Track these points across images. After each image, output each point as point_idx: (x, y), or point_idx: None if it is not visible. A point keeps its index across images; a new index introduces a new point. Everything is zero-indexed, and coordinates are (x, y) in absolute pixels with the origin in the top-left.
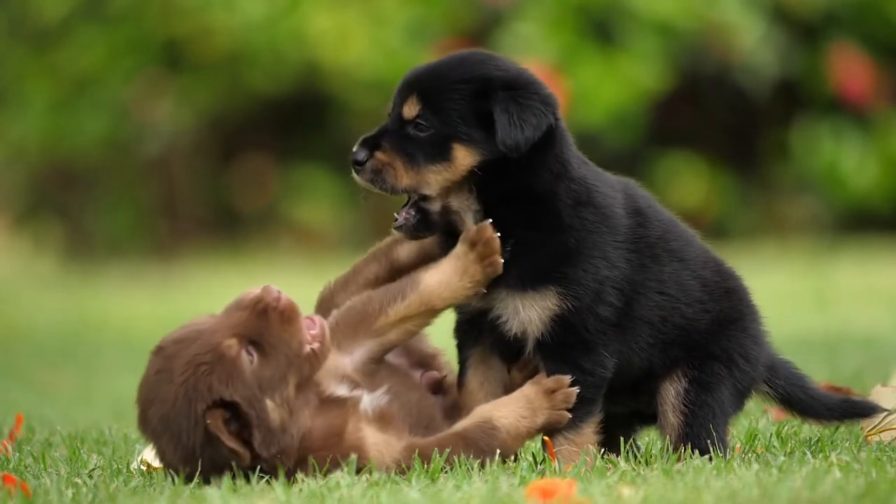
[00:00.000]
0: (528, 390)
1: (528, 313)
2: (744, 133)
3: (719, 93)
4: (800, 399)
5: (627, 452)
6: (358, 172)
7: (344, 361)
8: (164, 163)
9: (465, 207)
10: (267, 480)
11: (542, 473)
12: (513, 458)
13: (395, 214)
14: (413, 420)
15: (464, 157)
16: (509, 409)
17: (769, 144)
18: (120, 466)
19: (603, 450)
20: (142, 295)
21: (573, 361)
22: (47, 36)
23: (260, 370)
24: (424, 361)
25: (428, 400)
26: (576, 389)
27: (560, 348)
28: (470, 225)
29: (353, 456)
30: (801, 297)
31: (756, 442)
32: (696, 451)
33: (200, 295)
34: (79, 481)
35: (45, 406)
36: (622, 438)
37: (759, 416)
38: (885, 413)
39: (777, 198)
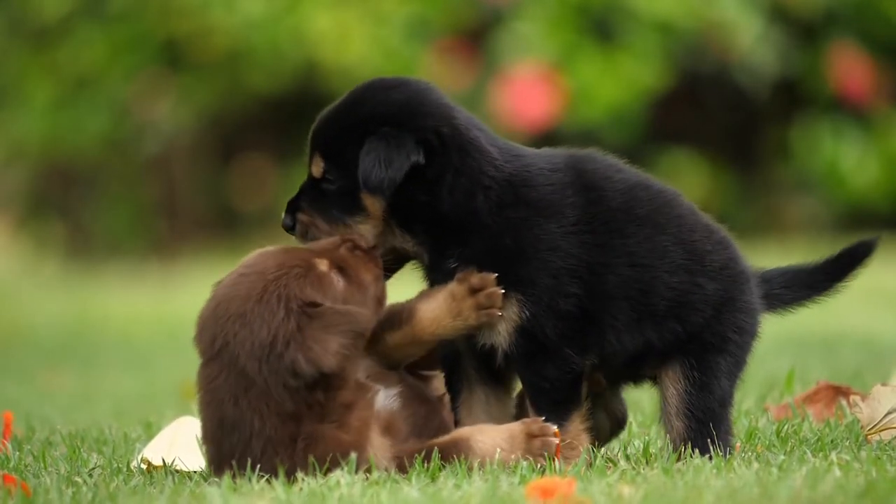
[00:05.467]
0: (514, 427)
1: (497, 325)
2: (743, 132)
3: (719, 91)
4: (800, 296)
5: (627, 451)
6: (294, 237)
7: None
8: (164, 162)
9: (406, 244)
10: (267, 480)
11: (542, 472)
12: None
13: None
14: (417, 432)
15: (373, 205)
16: (490, 436)
17: (769, 143)
18: (120, 465)
19: (603, 449)
20: (142, 294)
21: (538, 371)
22: (47, 35)
23: (345, 294)
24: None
25: (437, 415)
26: (556, 440)
27: (525, 359)
28: (426, 258)
29: (353, 455)
30: None
31: (756, 441)
32: (700, 452)
33: (200, 295)
34: (79, 480)
35: (45, 405)
36: (617, 425)
37: (759, 416)
38: (886, 413)
39: (777, 197)
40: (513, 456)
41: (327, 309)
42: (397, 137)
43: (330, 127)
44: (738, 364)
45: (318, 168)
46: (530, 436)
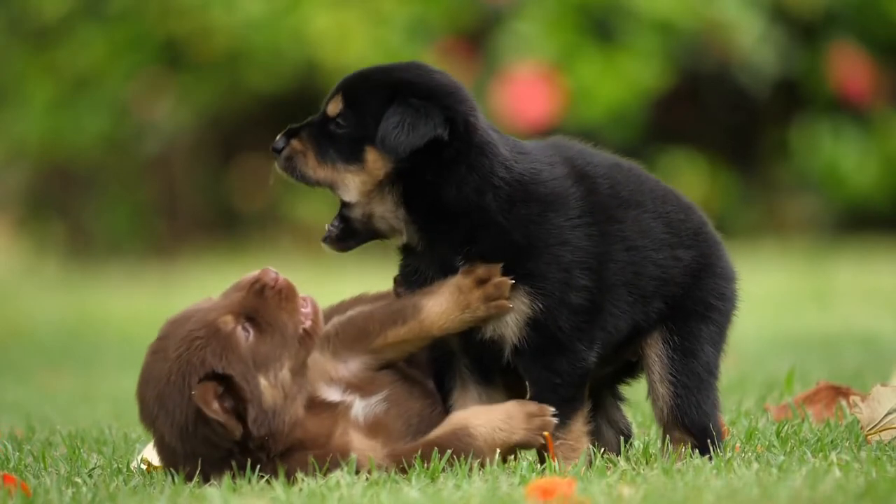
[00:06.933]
0: (510, 407)
1: (503, 317)
2: (744, 132)
3: (719, 91)
4: None
5: (627, 451)
6: (276, 159)
7: (338, 367)
8: (163, 162)
9: (392, 217)
10: (267, 480)
11: (542, 472)
12: (513, 456)
13: (326, 227)
14: (413, 429)
15: (375, 161)
16: (486, 419)
17: (769, 143)
18: (120, 466)
19: (603, 449)
20: (142, 295)
21: (549, 365)
22: (47, 35)
23: (256, 346)
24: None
25: (433, 409)
26: (555, 420)
27: (536, 353)
28: (406, 238)
29: (354, 455)
30: (800, 297)
31: (756, 441)
32: (689, 422)
33: (200, 295)
34: (79, 480)
35: (45, 405)
36: (622, 438)
37: (759, 416)
38: (886, 413)
39: (777, 197)
40: (514, 437)
41: (205, 386)
42: (427, 108)
43: (362, 79)
44: (721, 332)
45: (335, 107)
46: (530, 415)
